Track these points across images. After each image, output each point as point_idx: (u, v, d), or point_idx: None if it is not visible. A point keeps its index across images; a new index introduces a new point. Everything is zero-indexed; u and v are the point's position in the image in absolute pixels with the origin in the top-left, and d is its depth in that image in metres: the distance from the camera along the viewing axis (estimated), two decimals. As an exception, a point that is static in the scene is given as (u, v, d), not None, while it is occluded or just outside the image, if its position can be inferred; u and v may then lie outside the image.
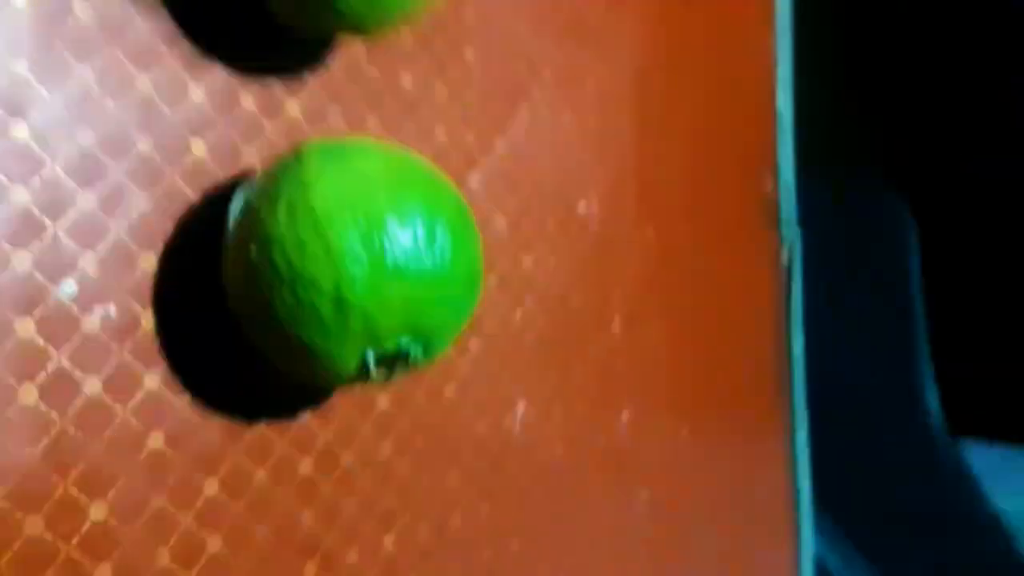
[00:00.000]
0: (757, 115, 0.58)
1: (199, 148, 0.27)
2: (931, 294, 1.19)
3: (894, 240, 1.12)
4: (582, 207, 0.43)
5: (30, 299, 0.23)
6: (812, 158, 0.68)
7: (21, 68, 0.23)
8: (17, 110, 0.23)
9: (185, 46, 0.26)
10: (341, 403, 0.31)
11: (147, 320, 0.25)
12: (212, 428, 0.27)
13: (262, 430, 0.28)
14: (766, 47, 0.59)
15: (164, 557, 0.25)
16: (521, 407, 0.38)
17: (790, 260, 0.61)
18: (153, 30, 0.25)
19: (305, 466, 0.29)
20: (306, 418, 0.29)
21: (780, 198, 0.60)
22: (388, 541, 0.32)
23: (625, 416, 0.45)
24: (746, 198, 0.57)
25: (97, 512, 0.24)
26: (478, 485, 0.36)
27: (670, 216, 0.49)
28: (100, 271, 0.24)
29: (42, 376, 0.23)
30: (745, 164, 0.56)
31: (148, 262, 0.25)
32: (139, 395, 0.25)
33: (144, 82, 0.25)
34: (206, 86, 0.27)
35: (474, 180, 0.37)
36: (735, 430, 0.57)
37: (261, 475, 0.28)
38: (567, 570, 0.42)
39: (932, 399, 1.22)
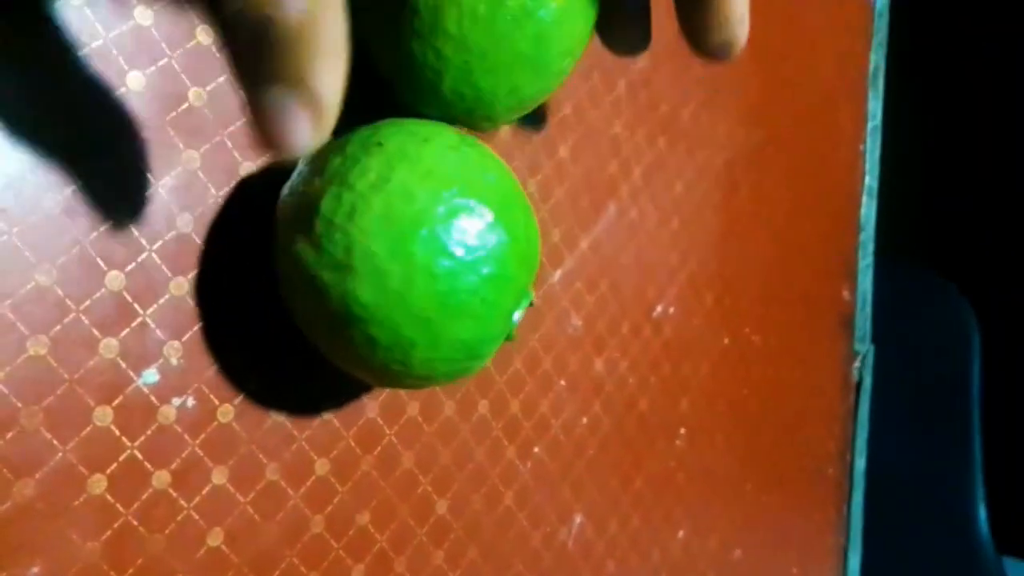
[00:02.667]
0: (841, 223, 0.56)
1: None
2: (988, 404, 1.15)
3: (958, 350, 1.08)
4: (659, 310, 0.41)
5: (112, 387, 0.22)
6: (881, 258, 0.66)
7: (128, 150, 0.22)
8: (125, 193, 0.22)
9: (293, 136, 0.26)
10: (400, 507, 0.29)
11: (224, 413, 0.24)
12: (271, 530, 0.26)
13: (318, 535, 0.27)
14: (856, 154, 0.57)
15: (206, 662, 0.24)
16: (578, 519, 0.37)
17: (860, 376, 0.59)
18: (265, 119, 0.25)
19: (358, 572, 0.28)
20: (364, 521, 0.28)
21: (856, 310, 0.58)
22: (429, 653, 0.31)
23: (681, 534, 0.43)
24: (822, 308, 0.55)
25: (147, 612, 0.23)
26: (526, 599, 0.35)
27: (745, 323, 0.47)
28: (184, 361, 0.23)
29: (113, 467, 0.22)
30: (824, 272, 0.55)
31: (232, 353, 0.24)
32: (206, 490, 0.24)
33: (247, 168, 0.25)
34: (308, 176, 0.26)
35: (556, 277, 0.36)
36: (788, 550, 0.54)
37: (312, 579, 0.27)
38: None
39: (981, 515, 1.16)
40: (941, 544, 1.12)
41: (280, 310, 0.25)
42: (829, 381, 0.57)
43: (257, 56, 0.13)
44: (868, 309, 0.59)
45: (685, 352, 0.43)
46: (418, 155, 0.21)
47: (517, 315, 0.23)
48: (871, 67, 0.58)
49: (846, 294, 0.57)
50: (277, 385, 0.26)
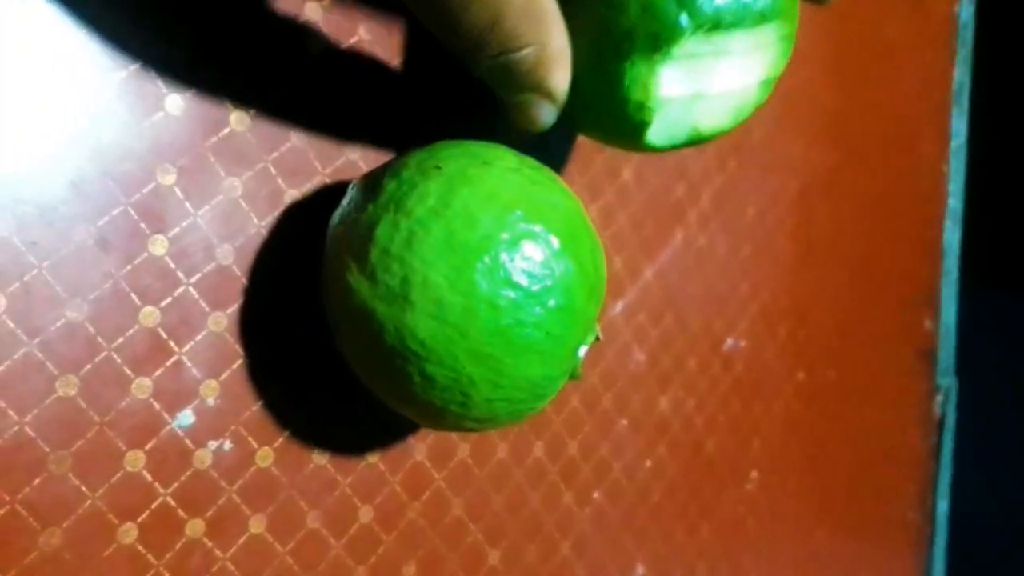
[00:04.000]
0: (922, 249, 0.52)
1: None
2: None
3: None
4: (728, 344, 0.38)
5: (145, 430, 0.21)
6: (966, 285, 0.61)
7: (168, 180, 0.21)
8: (157, 224, 0.21)
9: (339, 161, 0.24)
10: (449, 558, 0.27)
11: (263, 457, 0.23)
12: (310, 581, 0.24)
13: (362, 585, 0.25)
14: (939, 176, 0.54)
15: None
16: (640, 570, 0.34)
17: (943, 412, 0.54)
18: (307, 146, 0.24)
19: (402, 628, 0.26)
20: (410, 572, 0.26)
21: (939, 341, 0.54)
22: None
23: (751, 585, 0.40)
24: (902, 340, 0.51)
25: (176, 672, 0.21)
26: (584, 657, 0.32)
27: (820, 357, 0.44)
28: (221, 401, 0.22)
29: (145, 515, 0.21)
30: (904, 303, 0.51)
31: (273, 392, 0.23)
32: (243, 539, 0.22)
33: (292, 196, 0.23)
34: (356, 204, 0.25)
35: (617, 309, 0.33)
36: (864, 598, 0.50)
37: (354, 636, 0.25)
38: None
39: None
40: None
41: (323, 346, 0.24)
42: (910, 418, 0.53)
43: (501, 81, 0.20)
44: (952, 340, 0.55)
45: (756, 389, 0.40)
46: (479, 178, 0.20)
47: (583, 351, 0.21)
48: (955, 83, 0.55)
49: (928, 324, 0.53)
50: (319, 426, 0.24)
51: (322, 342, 0.24)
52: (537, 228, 0.19)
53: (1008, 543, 0.96)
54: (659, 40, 0.20)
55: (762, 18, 0.21)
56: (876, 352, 0.49)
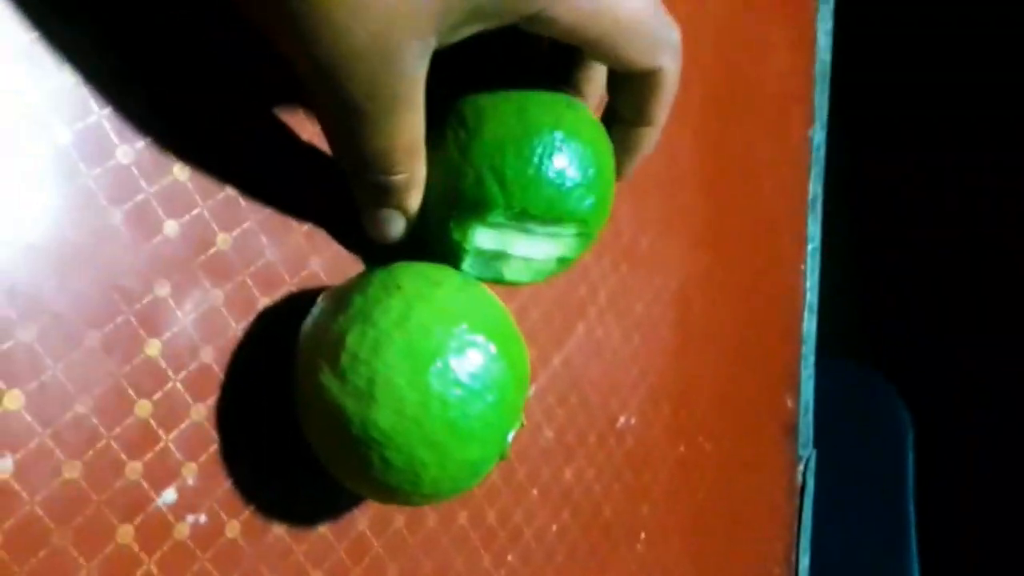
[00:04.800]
0: (784, 337, 0.61)
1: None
2: (921, 493, 1.20)
3: (893, 447, 1.14)
4: (621, 421, 0.45)
5: (134, 506, 0.24)
6: (824, 359, 0.71)
7: (164, 291, 0.25)
8: (153, 329, 0.25)
9: (303, 272, 0.29)
10: (384, 615, 0.31)
11: (231, 529, 0.26)
12: (267, 639, 0.27)
13: (310, 641, 0.28)
14: (797, 273, 0.63)
15: None
16: (547, 624, 0.39)
17: (804, 478, 0.62)
18: (281, 260, 0.28)
19: None
20: (350, 629, 0.30)
21: (799, 417, 0.62)
22: None
23: (641, 636, 0.45)
24: (768, 416, 0.59)
25: None
26: None
27: (699, 431, 0.51)
28: (199, 481, 0.26)
29: (129, 583, 0.24)
30: (770, 383, 0.59)
31: (242, 471, 0.27)
32: (208, 603, 0.26)
33: (264, 303, 0.28)
34: (316, 308, 0.29)
35: (531, 393, 0.39)
36: (739, 647, 0.56)
37: None
38: None
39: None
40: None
41: (287, 433, 0.28)
42: (775, 484, 0.60)
43: (374, 196, 0.27)
44: (810, 416, 0.64)
45: (645, 460, 0.46)
46: (432, 296, 0.25)
47: (511, 435, 0.26)
48: (810, 194, 0.65)
49: (789, 402, 0.61)
50: (280, 501, 0.28)
51: (286, 429, 0.28)
52: (479, 338, 0.24)
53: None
54: (479, 207, 0.27)
55: (562, 218, 0.27)
56: (746, 427, 0.56)
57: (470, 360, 0.24)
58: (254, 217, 0.27)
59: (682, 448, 0.49)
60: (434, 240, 0.29)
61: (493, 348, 0.25)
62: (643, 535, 0.46)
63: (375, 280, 0.25)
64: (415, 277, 0.26)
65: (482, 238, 0.28)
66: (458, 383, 0.24)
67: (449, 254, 0.28)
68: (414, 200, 0.27)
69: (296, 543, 0.28)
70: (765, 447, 0.59)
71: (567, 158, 0.26)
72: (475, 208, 0.27)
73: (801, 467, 0.63)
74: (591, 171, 0.27)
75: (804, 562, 0.64)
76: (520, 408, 0.26)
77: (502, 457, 0.27)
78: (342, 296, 0.25)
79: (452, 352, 0.24)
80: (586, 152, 0.27)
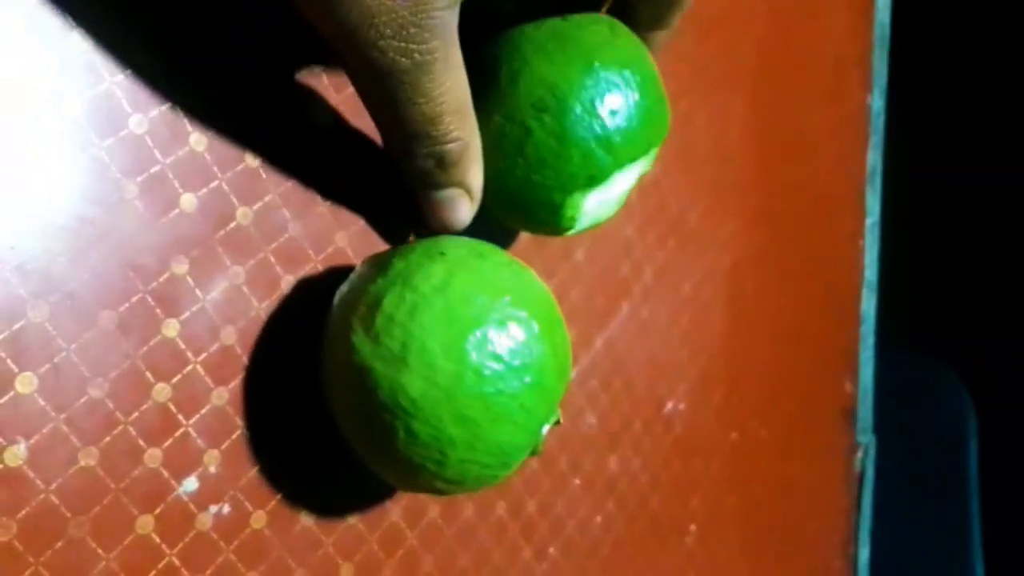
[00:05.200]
0: (842, 318, 0.57)
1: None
2: (985, 487, 1.15)
3: (956, 436, 1.09)
4: (669, 407, 0.42)
5: (154, 496, 0.23)
6: (884, 348, 0.67)
7: (181, 269, 0.24)
8: (171, 309, 0.24)
9: (330, 249, 0.27)
10: (420, 609, 0.30)
11: (257, 519, 0.25)
12: (296, 634, 0.26)
13: (342, 637, 0.27)
14: (856, 250, 0.59)
15: None
16: (591, 619, 0.37)
17: (863, 466, 0.59)
18: (305, 235, 0.27)
19: (376, 677, 0.28)
20: (384, 624, 0.29)
21: (858, 401, 0.59)
22: None
23: (692, 632, 0.43)
24: (826, 401, 0.56)
25: None
26: None
27: (752, 418, 0.48)
28: (222, 469, 0.24)
29: (152, 574, 0.23)
30: (827, 366, 0.56)
31: (268, 459, 0.25)
32: (234, 596, 0.25)
33: (288, 281, 0.26)
34: (344, 287, 0.28)
35: (572, 376, 0.37)
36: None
37: None
38: None
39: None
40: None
41: (315, 416, 0.26)
42: (834, 473, 0.57)
43: (431, 174, 0.24)
44: (870, 401, 0.60)
45: (695, 448, 0.44)
46: (477, 266, 0.23)
47: (546, 429, 0.24)
48: (869, 166, 0.61)
49: (848, 386, 0.58)
50: (308, 490, 0.26)
51: (313, 414, 0.26)
52: (522, 314, 0.23)
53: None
54: (595, 180, 0.26)
55: (651, 145, 0.27)
56: (802, 412, 0.53)
57: (511, 335, 0.22)
58: (276, 190, 0.26)
59: (734, 435, 0.47)
60: (530, 220, 0.28)
61: (536, 327, 0.23)
62: (693, 527, 0.43)
63: (418, 247, 0.24)
64: (460, 247, 0.24)
65: (592, 201, 0.27)
66: (496, 357, 0.22)
67: (555, 227, 0.28)
68: (476, 174, 0.25)
69: (325, 534, 0.27)
70: (822, 433, 0.56)
71: (641, 92, 0.26)
72: (589, 182, 0.26)
73: (860, 454, 0.60)
74: (656, 90, 0.27)
75: (864, 555, 0.61)
76: (558, 400, 0.24)
77: (535, 452, 0.25)
78: (382, 261, 0.24)
79: (493, 324, 0.22)
80: (648, 75, 0.27)
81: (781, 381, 0.51)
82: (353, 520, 0.28)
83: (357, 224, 0.28)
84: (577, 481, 0.36)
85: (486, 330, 0.22)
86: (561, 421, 0.26)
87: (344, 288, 0.24)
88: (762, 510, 0.49)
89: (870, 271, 0.60)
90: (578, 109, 0.25)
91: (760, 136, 0.50)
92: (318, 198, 0.27)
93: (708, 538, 0.45)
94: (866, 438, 0.60)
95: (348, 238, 0.28)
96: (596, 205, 0.27)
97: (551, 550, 0.35)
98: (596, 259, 0.38)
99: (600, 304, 0.38)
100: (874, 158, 0.61)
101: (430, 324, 0.21)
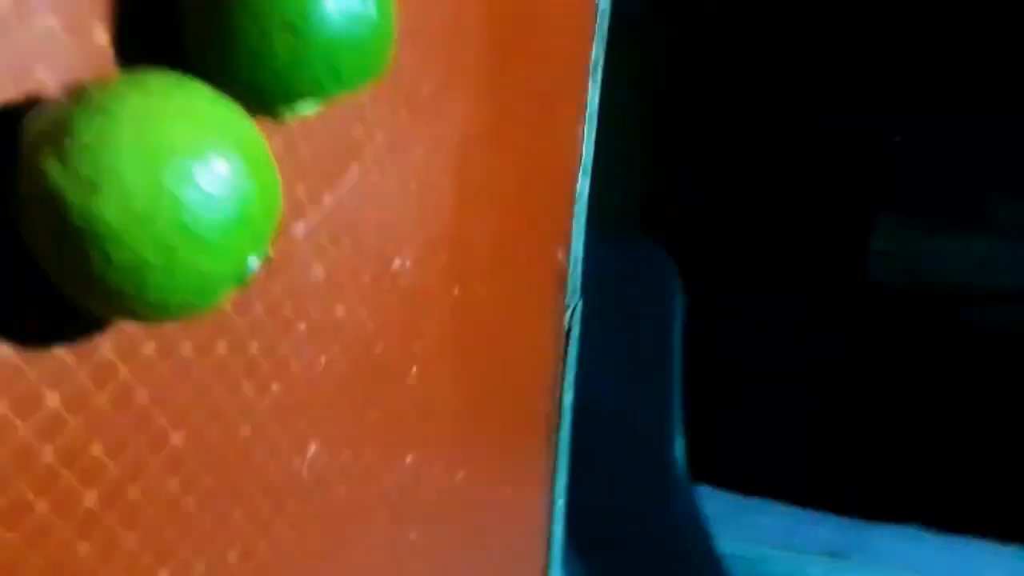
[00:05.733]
0: (559, 194, 0.65)
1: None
2: (688, 341, 1.37)
3: (662, 303, 1.28)
4: (397, 263, 0.46)
5: None
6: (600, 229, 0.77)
7: None
8: None
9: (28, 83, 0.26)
10: (133, 439, 0.31)
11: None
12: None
13: (48, 464, 0.28)
14: (574, 136, 0.66)
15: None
16: (312, 448, 0.41)
17: (571, 323, 0.69)
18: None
19: (89, 499, 0.30)
20: (97, 452, 0.30)
21: (569, 268, 0.68)
22: (162, 574, 0.33)
23: (409, 460, 0.49)
24: (541, 267, 0.63)
25: None
26: (258, 523, 0.38)
27: (474, 278, 0.54)
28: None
29: None
30: (544, 236, 0.63)
31: (-47, 289, 0.25)
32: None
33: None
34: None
35: (298, 229, 0.39)
36: (505, 473, 0.63)
37: (43, 506, 0.28)
38: (334, 601, 0.44)
39: (678, 446, 1.38)
40: (642, 470, 1.33)
41: (12, 247, 0.26)
42: (546, 328, 0.66)
43: None
44: (579, 269, 0.69)
45: (419, 301, 0.48)
46: (183, 96, 0.24)
47: (253, 262, 0.26)
48: (592, 58, 0.67)
49: (560, 254, 0.66)
50: (4, 322, 0.26)
51: (9, 243, 0.26)
52: (227, 147, 0.24)
53: (622, 429, 1.22)
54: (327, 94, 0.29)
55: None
56: (520, 275, 0.60)
57: (213, 167, 0.23)
58: (-48, 3, 0.24)
59: (456, 291, 0.52)
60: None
61: (241, 163, 0.24)
62: (414, 370, 0.48)
63: (121, 77, 0.24)
64: (167, 78, 0.24)
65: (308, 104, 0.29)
66: (195, 186, 0.23)
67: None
68: None
69: (28, 365, 0.27)
70: (537, 294, 0.63)
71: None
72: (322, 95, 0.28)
73: (568, 313, 0.69)
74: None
75: (567, 398, 0.71)
76: (266, 237, 0.26)
77: (241, 282, 0.26)
78: (80, 88, 0.23)
79: (193, 153, 0.23)
80: None
81: (502, 247, 0.57)
82: (60, 352, 0.28)
83: (63, 62, 0.27)
84: (302, 326, 0.39)
85: (186, 159, 0.23)
86: (272, 257, 0.28)
87: (34, 113, 0.24)
88: (480, 356, 0.56)
89: (587, 156, 0.68)
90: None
91: (494, 20, 0.53)
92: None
93: (428, 380, 0.50)
94: (574, 300, 0.69)
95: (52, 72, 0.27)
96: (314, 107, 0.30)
97: (274, 387, 0.38)
98: (326, 119, 0.39)
99: (330, 162, 0.40)
100: (597, 51, 0.67)
101: (124, 149, 0.22)
